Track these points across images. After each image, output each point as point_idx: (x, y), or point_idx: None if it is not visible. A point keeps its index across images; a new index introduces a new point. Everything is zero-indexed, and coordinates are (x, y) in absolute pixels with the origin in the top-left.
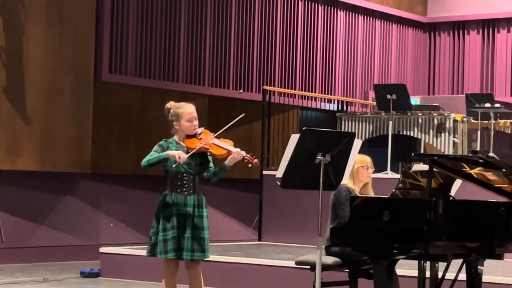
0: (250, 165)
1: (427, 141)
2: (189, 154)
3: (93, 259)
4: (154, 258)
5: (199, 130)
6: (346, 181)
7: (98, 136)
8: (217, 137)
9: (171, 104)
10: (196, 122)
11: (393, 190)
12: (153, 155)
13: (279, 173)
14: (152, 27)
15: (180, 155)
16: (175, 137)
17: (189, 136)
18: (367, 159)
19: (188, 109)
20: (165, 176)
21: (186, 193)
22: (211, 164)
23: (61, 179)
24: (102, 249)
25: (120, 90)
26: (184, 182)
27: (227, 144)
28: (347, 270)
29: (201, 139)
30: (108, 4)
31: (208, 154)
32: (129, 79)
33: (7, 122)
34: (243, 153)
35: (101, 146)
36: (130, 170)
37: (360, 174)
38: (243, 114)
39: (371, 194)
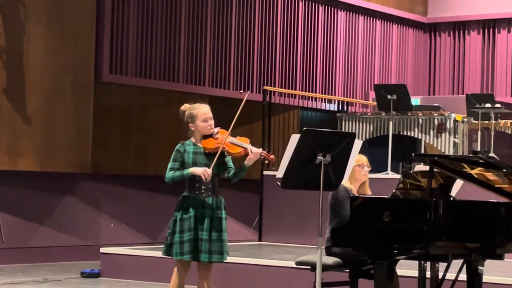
0: (266, 161)
1: (427, 141)
2: (212, 166)
3: (93, 259)
4: (155, 258)
5: (216, 130)
6: (343, 181)
7: (98, 137)
8: (234, 135)
9: (185, 106)
10: (211, 122)
11: (394, 191)
12: (176, 172)
13: (280, 173)
14: (152, 27)
15: (205, 173)
16: (192, 139)
17: (206, 136)
18: (362, 158)
19: (202, 109)
20: None
21: (204, 194)
22: (231, 164)
23: (62, 179)
24: (103, 249)
25: (120, 90)
26: (203, 183)
27: (244, 142)
28: (348, 271)
29: (217, 138)
30: (109, 4)
31: (226, 154)
32: (129, 80)
33: (7, 123)
34: (260, 150)
35: (102, 146)
36: (130, 170)
37: (356, 173)
38: (247, 93)
39: (369, 193)
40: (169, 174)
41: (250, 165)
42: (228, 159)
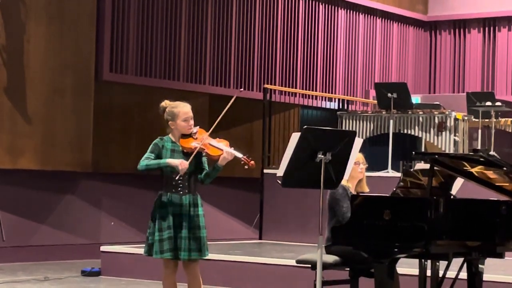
0: (246, 167)
1: (428, 139)
2: (189, 161)
3: (94, 258)
4: None
5: (194, 130)
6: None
7: (99, 135)
8: (213, 137)
9: (166, 103)
10: (191, 122)
11: (394, 189)
12: (151, 160)
13: (280, 172)
14: (153, 26)
15: (182, 165)
16: (170, 136)
17: (185, 136)
18: (358, 155)
19: (184, 109)
20: (160, 175)
21: (181, 192)
22: (205, 165)
23: (62, 178)
24: (103, 248)
25: (121, 89)
26: (179, 182)
27: (223, 144)
28: (348, 269)
29: (196, 138)
30: (109, 3)
31: (204, 154)
32: (130, 79)
33: (8, 122)
34: (237, 153)
35: (102, 145)
36: (131, 169)
37: (353, 170)
38: (235, 96)
39: (366, 190)
40: (143, 162)
41: (223, 165)
42: (204, 160)
